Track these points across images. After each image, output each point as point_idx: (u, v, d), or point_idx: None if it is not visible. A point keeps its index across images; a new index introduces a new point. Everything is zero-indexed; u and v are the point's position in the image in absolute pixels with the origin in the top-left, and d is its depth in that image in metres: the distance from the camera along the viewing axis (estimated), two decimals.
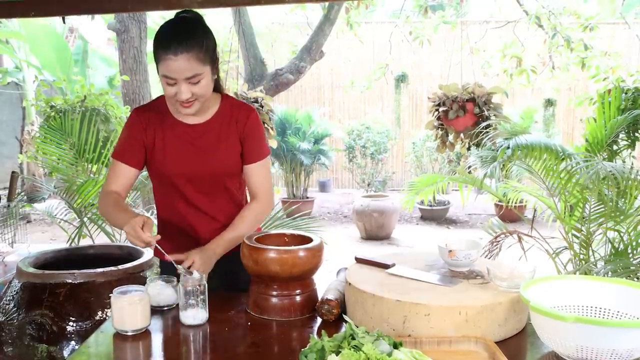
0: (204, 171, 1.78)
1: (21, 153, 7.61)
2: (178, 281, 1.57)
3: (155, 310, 1.62)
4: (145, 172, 1.97)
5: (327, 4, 6.32)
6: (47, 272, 2.19)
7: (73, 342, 2.06)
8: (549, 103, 8.31)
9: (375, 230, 6.85)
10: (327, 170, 9.53)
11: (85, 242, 3.32)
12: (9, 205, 4.31)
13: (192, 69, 1.60)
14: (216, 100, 1.82)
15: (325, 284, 1.67)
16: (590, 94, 5.55)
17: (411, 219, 8.06)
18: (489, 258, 3.00)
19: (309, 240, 1.66)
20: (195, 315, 1.53)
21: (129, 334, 1.48)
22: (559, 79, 7.59)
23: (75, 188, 3.56)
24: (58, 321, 2.07)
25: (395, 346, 1.21)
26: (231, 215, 1.82)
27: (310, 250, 1.58)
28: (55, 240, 6.54)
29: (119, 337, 1.48)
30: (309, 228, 3.64)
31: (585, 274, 2.90)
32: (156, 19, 8.36)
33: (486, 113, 4.06)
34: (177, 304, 1.59)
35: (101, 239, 3.62)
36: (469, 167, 3.47)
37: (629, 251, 2.88)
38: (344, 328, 1.29)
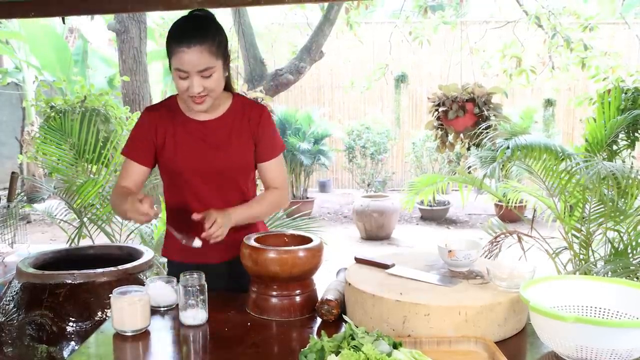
0: (215, 167, 1.78)
1: (21, 153, 7.61)
2: (178, 281, 1.57)
3: (155, 311, 1.62)
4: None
5: (326, 4, 6.32)
6: (46, 272, 2.19)
7: (73, 343, 2.06)
8: (549, 103, 8.32)
9: (375, 230, 6.85)
10: (327, 170, 9.53)
11: (85, 242, 3.31)
12: (8, 206, 4.31)
13: (204, 62, 1.62)
14: (227, 98, 1.84)
15: (325, 284, 1.67)
16: (590, 94, 5.55)
17: (411, 219, 8.06)
18: (489, 258, 3.00)
19: (309, 240, 1.66)
20: (195, 315, 1.53)
21: (129, 334, 1.48)
22: (558, 79, 7.60)
23: (75, 188, 3.56)
24: (58, 321, 2.07)
25: (395, 346, 1.21)
26: None
27: (310, 250, 1.58)
28: (55, 241, 6.54)
29: (119, 337, 1.48)
30: (309, 228, 3.64)
31: (585, 274, 2.90)
32: (156, 19, 8.37)
33: (486, 113, 4.07)
34: (177, 304, 1.59)
35: (101, 240, 3.62)
36: (469, 167, 3.47)
37: (629, 251, 2.88)
38: (344, 328, 1.29)
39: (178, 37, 1.63)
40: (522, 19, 6.88)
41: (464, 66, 6.72)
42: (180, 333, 1.52)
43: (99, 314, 2.11)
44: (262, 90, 6.02)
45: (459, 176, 3.80)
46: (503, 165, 2.98)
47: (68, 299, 2.10)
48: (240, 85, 4.79)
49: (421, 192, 3.74)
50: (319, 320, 1.56)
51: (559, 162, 2.94)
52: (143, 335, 1.49)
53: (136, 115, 4.87)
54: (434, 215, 7.96)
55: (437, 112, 4.26)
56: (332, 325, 1.52)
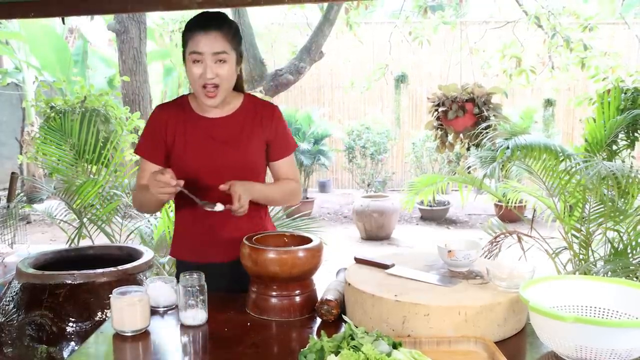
0: (225, 163, 1.78)
1: (21, 154, 7.61)
2: (178, 281, 1.57)
3: (155, 311, 1.62)
4: None
5: (325, 4, 6.32)
6: (46, 272, 2.19)
7: (73, 343, 2.06)
8: (549, 103, 8.32)
9: (375, 230, 6.85)
10: (327, 170, 9.53)
11: (84, 242, 3.31)
12: (8, 206, 4.31)
13: (219, 45, 1.66)
14: (238, 97, 1.85)
15: (324, 284, 1.67)
16: (589, 94, 5.55)
17: (411, 219, 8.06)
18: (489, 258, 3.00)
19: (309, 240, 1.66)
20: (195, 315, 1.53)
21: (129, 334, 1.48)
22: (558, 79, 7.59)
23: (74, 189, 3.55)
24: (58, 322, 2.07)
25: (395, 346, 1.21)
26: (251, 215, 1.79)
27: (309, 250, 1.58)
28: (55, 241, 6.54)
29: (119, 337, 1.48)
30: (309, 228, 3.63)
31: (585, 274, 2.90)
32: (156, 19, 8.37)
33: (486, 113, 4.07)
34: (177, 305, 1.59)
35: (101, 240, 3.62)
36: (469, 167, 3.47)
37: (629, 251, 2.88)
38: (344, 328, 1.29)
39: (195, 24, 1.69)
40: (521, 19, 6.88)
41: (463, 66, 6.72)
42: (180, 333, 1.52)
43: (99, 314, 2.11)
44: (261, 90, 6.02)
45: (458, 176, 3.80)
46: (503, 165, 2.98)
47: (68, 300, 2.10)
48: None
49: (421, 192, 3.74)
50: (318, 320, 1.56)
51: (558, 162, 2.94)
52: (143, 336, 1.49)
53: (136, 116, 4.87)
54: (434, 216, 7.97)
55: (436, 112, 4.26)
56: (332, 325, 1.52)
